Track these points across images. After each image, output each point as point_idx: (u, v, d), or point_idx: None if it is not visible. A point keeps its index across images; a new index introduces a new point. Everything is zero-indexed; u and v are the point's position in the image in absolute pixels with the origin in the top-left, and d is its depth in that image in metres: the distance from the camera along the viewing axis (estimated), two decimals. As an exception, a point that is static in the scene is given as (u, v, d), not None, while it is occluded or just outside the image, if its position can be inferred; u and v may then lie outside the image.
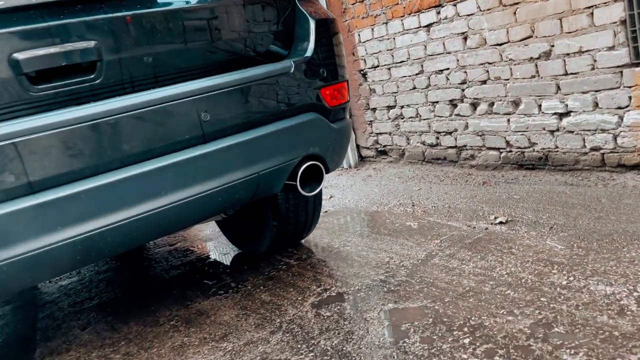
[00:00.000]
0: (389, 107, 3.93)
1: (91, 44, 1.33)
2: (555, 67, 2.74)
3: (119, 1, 1.39)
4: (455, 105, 3.40)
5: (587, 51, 2.58)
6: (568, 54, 2.67)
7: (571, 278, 1.84)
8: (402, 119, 3.85)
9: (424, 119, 3.67)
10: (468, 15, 3.11)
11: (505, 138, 3.15)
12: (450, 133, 3.50)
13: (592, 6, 2.51)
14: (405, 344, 1.65)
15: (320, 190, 2.58)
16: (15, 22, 1.24)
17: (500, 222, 2.50)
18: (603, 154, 2.69)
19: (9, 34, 1.23)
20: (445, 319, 1.75)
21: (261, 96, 1.59)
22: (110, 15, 1.36)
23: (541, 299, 1.75)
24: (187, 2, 1.54)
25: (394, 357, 1.60)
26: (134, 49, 1.41)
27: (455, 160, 3.54)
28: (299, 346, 1.78)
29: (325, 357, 1.67)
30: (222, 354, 1.83)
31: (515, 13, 2.85)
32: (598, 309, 1.62)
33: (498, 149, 3.22)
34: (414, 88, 3.65)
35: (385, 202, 3.24)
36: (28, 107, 1.27)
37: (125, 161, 1.34)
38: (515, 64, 2.94)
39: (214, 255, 2.95)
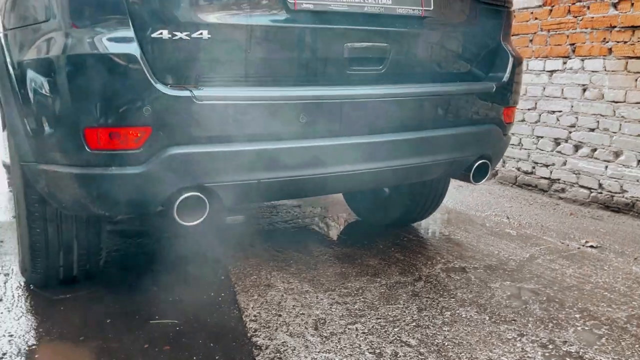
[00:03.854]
0: (493, 132, 4.48)
1: (385, 45, 1.93)
2: (661, 132, 3.26)
3: (404, 20, 1.98)
4: (558, 143, 3.94)
5: (694, 125, 3.10)
6: (676, 124, 3.19)
7: (656, 295, 2.38)
8: (503, 144, 4.40)
9: (525, 149, 4.21)
10: (593, 71, 3.64)
11: (599, 180, 3.67)
12: (547, 166, 4.04)
13: None
14: (528, 308, 2.21)
15: (448, 184, 3.17)
16: (350, 22, 1.86)
17: (591, 246, 3.03)
18: (686, 212, 3.20)
19: (346, 31, 1.84)
20: (556, 300, 2.30)
21: (471, 102, 2.17)
22: (399, 29, 1.96)
23: (632, 303, 2.29)
24: (432, 29, 2.12)
25: (520, 314, 2.16)
26: (405, 54, 2.01)
27: (545, 189, 4.07)
28: (442, 292, 2.35)
29: (465, 304, 2.24)
30: (378, 286, 2.41)
31: (636, 80, 3.37)
32: (679, 317, 2.16)
33: (589, 188, 3.75)
34: (523, 120, 4.20)
35: (481, 210, 3.79)
36: (340, 80, 1.87)
37: (387, 129, 1.94)
38: (625, 122, 3.46)
39: (335, 218, 3.55)
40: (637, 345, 1.93)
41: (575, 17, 3.72)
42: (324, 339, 1.93)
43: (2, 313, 2.08)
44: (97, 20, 1.57)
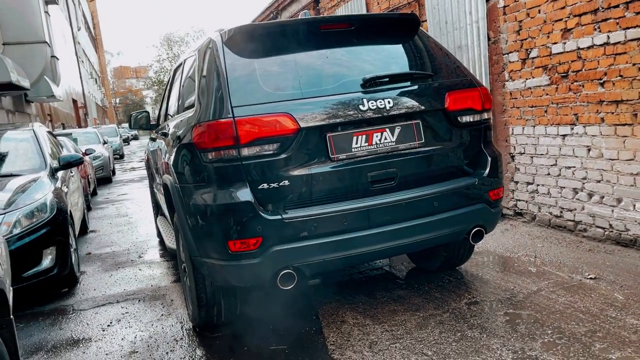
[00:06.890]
0: (528, 183, 5.43)
1: (394, 169, 3.16)
2: (647, 183, 4.11)
3: (405, 151, 3.20)
4: (576, 192, 4.83)
5: (668, 177, 3.93)
6: (656, 176, 4.02)
7: (619, 314, 3.29)
8: (537, 193, 5.33)
9: (553, 197, 5.12)
10: (593, 135, 4.55)
11: (609, 222, 4.53)
12: (570, 210, 4.93)
13: (673, 150, 3.86)
14: (517, 327, 3.24)
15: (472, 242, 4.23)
16: (370, 161, 3.12)
17: (590, 278, 3.93)
18: (672, 245, 3.99)
19: (368, 166, 3.11)
20: (540, 321, 3.30)
21: (463, 194, 3.31)
22: (402, 158, 3.19)
23: (596, 321, 3.23)
24: (426, 152, 3.29)
25: (509, 332, 3.20)
26: (408, 172, 3.22)
27: (572, 229, 4.95)
28: (460, 320, 3.44)
29: (473, 327, 3.32)
30: (417, 318, 3.55)
31: (624, 142, 4.26)
32: (626, 330, 3.08)
33: (603, 228, 4.60)
34: (548, 174, 5.13)
35: (515, 252, 4.76)
36: (367, 194, 3.13)
37: (401, 220, 3.14)
38: (620, 175, 4.33)
39: (396, 266, 4.71)
40: (581, 350, 2.92)
41: (575, 93, 4.67)
42: (374, 353, 3.12)
43: (190, 346, 3.50)
44: (230, 186, 2.96)
